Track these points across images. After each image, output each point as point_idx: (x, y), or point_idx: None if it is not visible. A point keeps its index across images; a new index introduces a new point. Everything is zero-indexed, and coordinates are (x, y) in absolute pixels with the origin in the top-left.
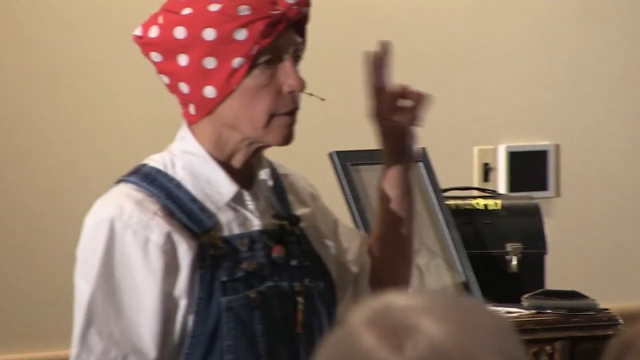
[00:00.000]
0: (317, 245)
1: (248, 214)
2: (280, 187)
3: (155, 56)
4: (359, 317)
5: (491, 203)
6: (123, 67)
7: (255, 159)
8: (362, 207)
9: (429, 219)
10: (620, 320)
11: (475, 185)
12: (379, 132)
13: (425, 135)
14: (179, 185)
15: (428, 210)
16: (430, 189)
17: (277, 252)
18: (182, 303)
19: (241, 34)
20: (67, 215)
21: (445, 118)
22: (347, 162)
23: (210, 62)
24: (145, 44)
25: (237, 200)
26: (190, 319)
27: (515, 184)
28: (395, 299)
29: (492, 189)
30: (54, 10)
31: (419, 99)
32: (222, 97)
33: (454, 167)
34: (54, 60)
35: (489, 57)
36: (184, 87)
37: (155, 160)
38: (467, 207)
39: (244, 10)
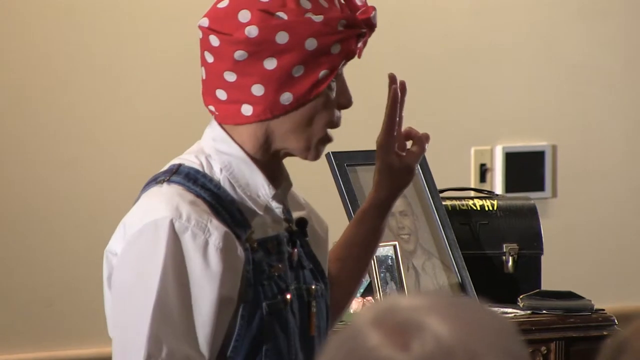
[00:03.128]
0: (313, 247)
1: (278, 216)
2: None
3: (241, 55)
4: (364, 317)
5: (487, 204)
6: (129, 67)
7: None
8: (358, 208)
9: (425, 219)
10: (616, 321)
11: (472, 185)
12: (382, 164)
13: None
14: (218, 186)
15: (424, 211)
16: (426, 189)
17: (295, 255)
18: (234, 307)
19: (336, 48)
20: (67, 214)
21: (442, 119)
22: (344, 162)
23: (298, 70)
24: (235, 42)
25: (272, 202)
26: (237, 322)
27: (511, 184)
28: (400, 300)
29: (489, 189)
30: (60, 9)
31: (424, 141)
32: (296, 105)
33: (450, 168)
34: (58, 60)
35: (486, 57)
36: (257, 89)
37: (190, 161)
38: (464, 207)
39: (342, 25)
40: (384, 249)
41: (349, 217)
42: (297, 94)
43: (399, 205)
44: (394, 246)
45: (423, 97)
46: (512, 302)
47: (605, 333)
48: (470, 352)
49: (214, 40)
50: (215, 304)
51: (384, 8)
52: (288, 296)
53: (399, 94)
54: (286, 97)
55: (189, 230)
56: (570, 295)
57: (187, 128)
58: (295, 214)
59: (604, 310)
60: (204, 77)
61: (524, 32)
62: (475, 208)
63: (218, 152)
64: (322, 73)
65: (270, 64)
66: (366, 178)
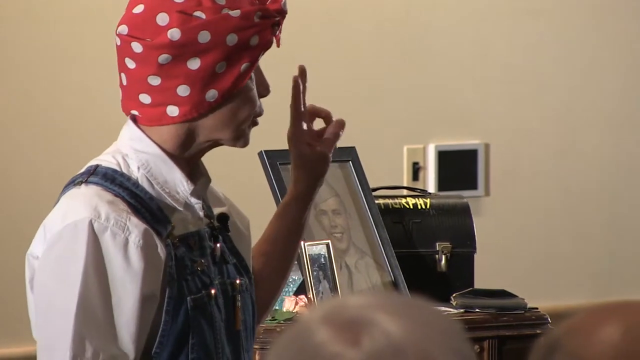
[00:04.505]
0: (236, 243)
1: (198, 212)
2: None
3: (165, 58)
4: (313, 315)
5: (420, 202)
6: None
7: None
8: None
9: (358, 217)
10: (549, 320)
11: (405, 184)
12: (296, 157)
13: (355, 134)
14: (136, 185)
15: (357, 210)
16: (359, 188)
17: (217, 250)
18: (157, 303)
19: (255, 40)
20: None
21: (375, 117)
22: (276, 161)
23: (221, 67)
24: (159, 46)
25: (191, 198)
26: (161, 319)
27: (444, 183)
28: (350, 298)
29: (422, 188)
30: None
31: (338, 128)
32: (221, 101)
33: (383, 166)
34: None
35: (418, 56)
36: (182, 90)
37: (107, 161)
38: (397, 206)
39: (258, 17)
40: (317, 248)
41: None
42: (221, 90)
43: (331, 203)
44: (327, 245)
45: (355, 96)
46: (445, 301)
47: (538, 332)
48: (421, 349)
49: (137, 47)
50: (139, 301)
51: (317, 6)
52: (212, 291)
53: (300, 82)
54: (211, 94)
55: (108, 230)
56: (503, 294)
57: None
58: (216, 210)
59: (537, 308)
60: (124, 84)
61: (457, 31)
62: (408, 207)
63: (135, 151)
64: (243, 66)
65: (194, 64)
66: None
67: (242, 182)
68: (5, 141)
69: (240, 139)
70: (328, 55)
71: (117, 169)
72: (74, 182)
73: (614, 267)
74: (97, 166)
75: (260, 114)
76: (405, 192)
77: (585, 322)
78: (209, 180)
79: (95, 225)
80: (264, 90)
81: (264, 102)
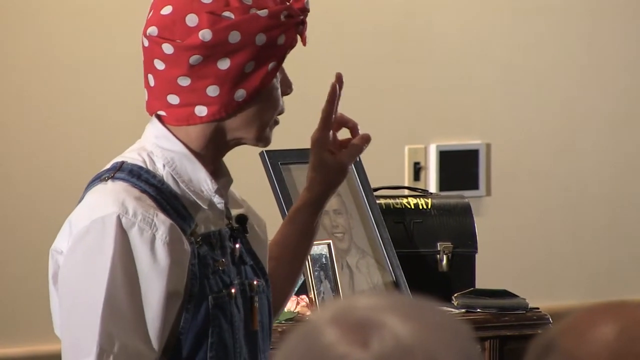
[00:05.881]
0: (253, 244)
1: (220, 211)
2: None
3: (195, 59)
4: (322, 315)
5: (422, 202)
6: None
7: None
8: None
9: (359, 217)
10: (550, 319)
11: (406, 184)
12: (316, 160)
13: None
14: (162, 182)
15: (358, 209)
16: (360, 187)
17: (237, 251)
18: (181, 300)
19: (282, 39)
20: (4, 213)
21: (376, 117)
22: (278, 161)
23: (250, 66)
24: (190, 47)
25: (215, 197)
26: (183, 316)
27: (446, 183)
28: (359, 299)
29: (423, 188)
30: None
31: (363, 142)
32: (249, 100)
33: (384, 166)
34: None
35: (419, 56)
36: (212, 90)
37: (133, 158)
38: (398, 206)
39: (285, 16)
40: (318, 248)
41: (283, 215)
42: (249, 89)
43: (333, 203)
44: (328, 245)
45: (357, 95)
46: (447, 301)
47: (539, 332)
48: (429, 352)
49: (168, 48)
50: (164, 298)
51: (317, 6)
52: (233, 290)
53: (338, 90)
54: (240, 94)
55: (135, 226)
56: (504, 294)
57: (126, 132)
58: (234, 211)
59: (538, 308)
60: (151, 85)
61: (458, 32)
62: (409, 206)
63: (160, 148)
64: (270, 65)
65: (224, 64)
66: (300, 177)
67: (243, 183)
68: (3, 142)
69: (262, 139)
70: (329, 55)
71: (143, 165)
72: (100, 178)
73: (614, 267)
74: (122, 162)
75: (282, 112)
76: (406, 192)
77: (580, 322)
78: (230, 180)
79: (123, 221)
80: (287, 88)
81: None
